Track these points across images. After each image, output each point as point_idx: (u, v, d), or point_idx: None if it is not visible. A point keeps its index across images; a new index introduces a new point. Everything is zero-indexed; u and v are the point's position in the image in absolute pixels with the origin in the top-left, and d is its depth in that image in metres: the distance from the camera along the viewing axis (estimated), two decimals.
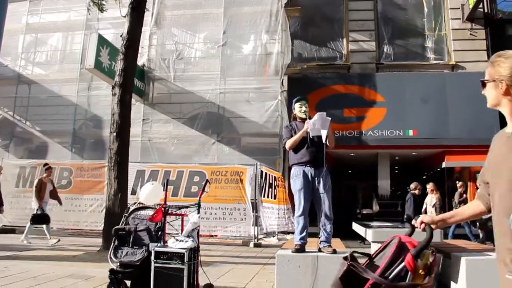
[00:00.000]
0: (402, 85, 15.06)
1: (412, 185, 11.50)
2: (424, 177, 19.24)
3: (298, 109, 5.82)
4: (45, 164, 11.30)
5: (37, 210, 10.46)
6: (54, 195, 11.06)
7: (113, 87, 10.04)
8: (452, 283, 5.43)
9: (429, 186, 11.71)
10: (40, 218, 10.46)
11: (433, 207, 11.36)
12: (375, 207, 14.48)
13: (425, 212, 11.82)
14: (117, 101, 9.81)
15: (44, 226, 10.49)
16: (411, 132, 14.55)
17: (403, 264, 1.85)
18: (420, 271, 1.87)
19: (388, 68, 15.78)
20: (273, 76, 14.73)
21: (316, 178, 5.46)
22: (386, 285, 1.81)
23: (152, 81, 15.83)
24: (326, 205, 5.45)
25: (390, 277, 1.84)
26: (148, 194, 5.25)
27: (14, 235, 12.55)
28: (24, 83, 16.71)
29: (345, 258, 1.95)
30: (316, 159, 5.43)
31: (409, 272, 1.85)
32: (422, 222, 2.15)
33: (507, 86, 1.98)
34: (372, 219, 12.56)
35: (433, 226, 2.11)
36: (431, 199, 11.55)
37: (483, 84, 2.10)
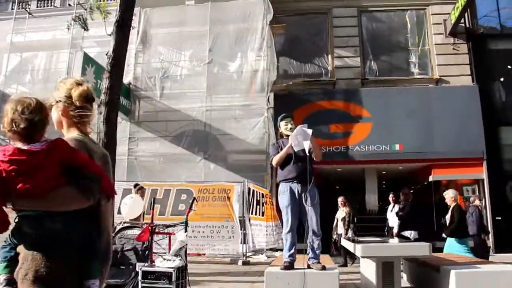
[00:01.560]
0: (387, 100, 15.18)
1: (472, 198, 11.19)
2: (411, 191, 19.32)
3: (284, 126, 5.84)
4: (136, 185, 10.44)
5: None
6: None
7: (98, 106, 9.95)
8: None
9: (340, 200, 11.57)
10: None
11: (342, 220, 11.27)
12: None
13: (336, 226, 11.75)
14: (102, 120, 9.72)
15: None
16: (397, 147, 14.64)
17: None
18: None
19: (373, 83, 15.92)
20: (259, 93, 14.76)
21: (303, 194, 5.44)
22: None
23: (138, 99, 15.78)
24: (313, 221, 5.43)
25: None
26: (129, 208, 5.20)
27: None
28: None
29: None
30: (302, 175, 5.42)
31: None
32: None
33: (64, 107, 2.23)
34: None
35: None
36: (341, 212, 11.42)
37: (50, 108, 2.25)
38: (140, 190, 10.22)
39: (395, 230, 10.18)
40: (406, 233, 9.34)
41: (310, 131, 5.40)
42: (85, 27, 12.27)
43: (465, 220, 8.84)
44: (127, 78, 14.91)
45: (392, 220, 10.84)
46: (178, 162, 14.72)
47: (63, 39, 16.29)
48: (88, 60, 13.54)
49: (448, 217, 8.75)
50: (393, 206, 11.08)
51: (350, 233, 11.01)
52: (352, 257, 10.83)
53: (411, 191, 19.02)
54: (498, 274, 5.21)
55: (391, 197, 11.41)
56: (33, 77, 17.05)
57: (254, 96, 14.86)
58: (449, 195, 8.81)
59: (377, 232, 12.72)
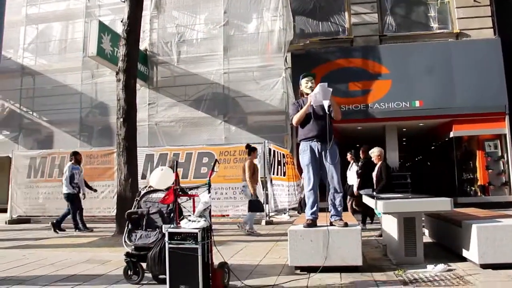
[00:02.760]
0: (406, 56, 14.92)
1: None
2: (432, 147, 19.23)
3: (305, 84, 5.82)
4: (248, 146, 10.23)
5: (251, 196, 9.52)
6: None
7: (117, 73, 10.05)
8: (463, 251, 5.48)
9: None
10: (257, 205, 9.61)
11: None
12: None
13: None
14: (121, 87, 9.82)
15: (248, 213, 9.68)
16: (417, 103, 14.47)
17: None
18: None
19: (391, 39, 15.62)
20: (276, 54, 14.67)
21: (323, 153, 5.48)
22: None
23: (155, 65, 15.81)
24: (334, 179, 5.48)
25: None
26: (159, 179, 5.29)
27: (29, 225, 12.74)
28: (28, 75, 16.74)
29: None
30: (322, 133, 5.45)
31: None
32: None
33: None
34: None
35: None
36: None
37: None
38: (253, 151, 10.00)
39: (354, 189, 9.91)
40: (362, 192, 9.15)
41: (330, 90, 5.41)
42: None
43: (392, 178, 8.74)
44: (143, 45, 14.92)
45: (351, 179, 10.50)
46: (199, 126, 14.84)
47: (77, 9, 16.35)
48: (103, 29, 13.55)
49: (374, 174, 8.68)
50: (351, 165, 10.74)
51: None
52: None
53: (432, 147, 19.03)
54: None
55: (349, 156, 11.00)
56: (51, 48, 17.16)
57: (272, 56, 14.77)
58: (375, 154, 8.74)
59: (397, 189, 12.78)
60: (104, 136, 15.50)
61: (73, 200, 10.67)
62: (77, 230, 10.54)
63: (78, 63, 15.97)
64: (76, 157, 11.04)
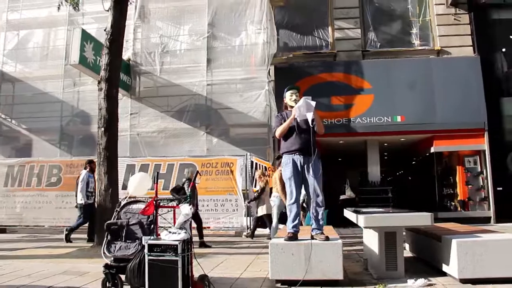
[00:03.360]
0: (388, 72, 15.08)
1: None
2: (413, 162, 19.40)
3: (289, 97, 5.84)
4: (279, 156, 10.33)
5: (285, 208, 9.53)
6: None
7: (99, 82, 9.96)
8: (443, 266, 5.50)
9: (257, 173, 11.18)
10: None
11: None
12: (348, 193, 14.47)
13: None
14: (103, 96, 9.73)
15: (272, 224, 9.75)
16: (399, 118, 14.60)
17: None
18: None
19: (374, 55, 15.80)
20: (259, 66, 14.66)
21: (305, 166, 5.48)
22: None
23: (138, 75, 15.68)
24: (317, 192, 5.48)
25: None
26: (136, 185, 5.23)
27: (5, 235, 12.50)
28: (8, 81, 16.46)
29: None
30: (305, 147, 5.46)
31: None
32: None
33: None
34: (356, 205, 12.49)
35: None
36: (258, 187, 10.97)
37: None
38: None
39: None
40: None
41: (313, 103, 5.42)
42: (76, 7, 12.13)
43: None
44: (126, 54, 14.81)
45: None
46: (181, 137, 14.72)
47: (59, 16, 16.09)
48: (86, 37, 13.43)
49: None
50: None
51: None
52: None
53: (413, 162, 19.19)
54: (499, 243, 5.26)
55: None
56: (32, 55, 16.94)
57: (255, 69, 14.77)
58: None
59: (379, 203, 12.85)
60: (85, 145, 15.27)
61: (87, 210, 10.55)
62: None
63: (59, 71, 15.77)
64: (91, 165, 10.94)
